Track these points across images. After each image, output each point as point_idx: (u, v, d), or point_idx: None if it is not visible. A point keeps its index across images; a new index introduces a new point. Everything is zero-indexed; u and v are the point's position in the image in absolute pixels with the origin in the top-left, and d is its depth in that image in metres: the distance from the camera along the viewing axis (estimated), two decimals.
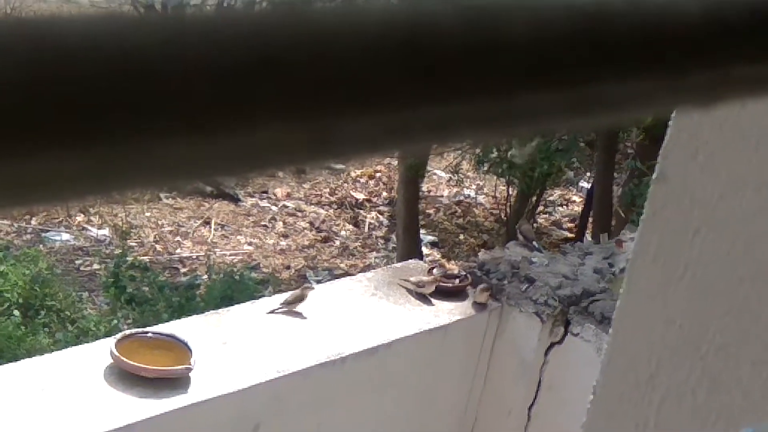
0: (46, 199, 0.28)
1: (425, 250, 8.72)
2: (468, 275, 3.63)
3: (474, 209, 9.70)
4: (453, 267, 5.89)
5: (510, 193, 8.65)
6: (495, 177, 8.58)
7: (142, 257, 7.72)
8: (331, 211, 9.39)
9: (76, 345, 3.42)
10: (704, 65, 0.38)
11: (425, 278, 3.57)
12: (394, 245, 8.78)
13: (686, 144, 1.22)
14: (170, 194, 8.70)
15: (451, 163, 8.91)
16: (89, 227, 8.36)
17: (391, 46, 0.30)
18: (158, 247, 8.31)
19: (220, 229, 8.74)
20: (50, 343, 5.85)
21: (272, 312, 3.25)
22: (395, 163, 9.27)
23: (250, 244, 8.60)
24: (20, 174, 0.26)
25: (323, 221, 9.18)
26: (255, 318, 3.22)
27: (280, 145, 0.29)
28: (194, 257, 8.22)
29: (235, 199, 9.17)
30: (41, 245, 7.83)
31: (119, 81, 0.26)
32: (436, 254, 8.82)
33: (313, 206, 9.40)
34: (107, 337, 3.15)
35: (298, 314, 3.26)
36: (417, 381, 3.41)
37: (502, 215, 8.98)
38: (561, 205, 9.85)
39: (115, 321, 6.21)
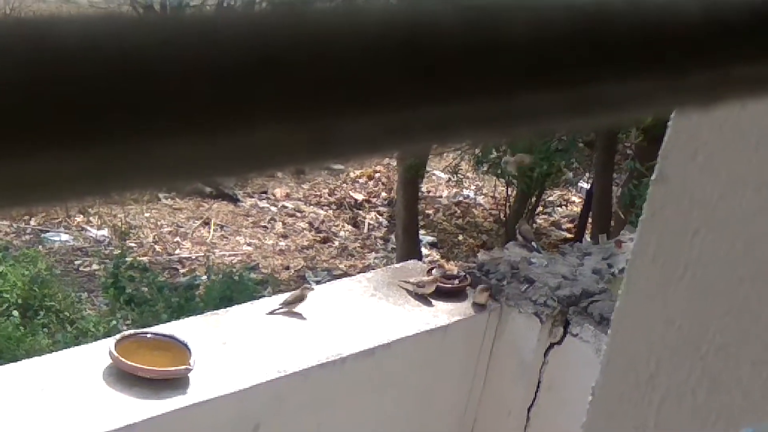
0: (45, 200, 0.28)
1: (424, 251, 8.72)
2: (467, 276, 3.63)
3: (473, 210, 9.70)
4: (452, 267, 5.90)
5: (509, 193, 8.65)
6: (494, 177, 8.58)
7: (141, 258, 7.72)
8: (331, 211, 9.39)
9: (75, 345, 3.42)
10: (704, 65, 0.38)
11: (425, 279, 3.57)
12: (394, 246, 8.78)
13: (685, 144, 1.22)
14: (169, 195, 8.70)
15: (451, 163, 8.91)
16: (88, 228, 8.36)
17: (391, 46, 0.30)
18: (157, 247, 8.31)
19: (219, 229, 8.74)
20: (49, 343, 5.85)
21: (272, 312, 3.25)
22: (394, 163, 9.28)
23: (249, 244, 8.60)
24: (19, 174, 0.26)
25: (322, 222, 9.18)
26: (254, 318, 3.22)
27: (280, 146, 0.29)
28: (193, 258, 8.22)
29: (234, 200, 9.17)
30: (40, 246, 7.83)
31: (118, 81, 0.26)
32: (436, 255, 8.82)
33: (312, 207, 9.40)
34: (106, 337, 3.15)
35: (298, 315, 3.26)
36: (416, 381, 3.41)
37: (502, 216, 8.98)
38: (560, 205, 9.85)
39: (115, 321, 6.21)
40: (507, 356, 3.51)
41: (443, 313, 3.46)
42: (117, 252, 7.42)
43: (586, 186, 9.28)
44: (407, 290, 3.54)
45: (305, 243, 8.77)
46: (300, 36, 0.29)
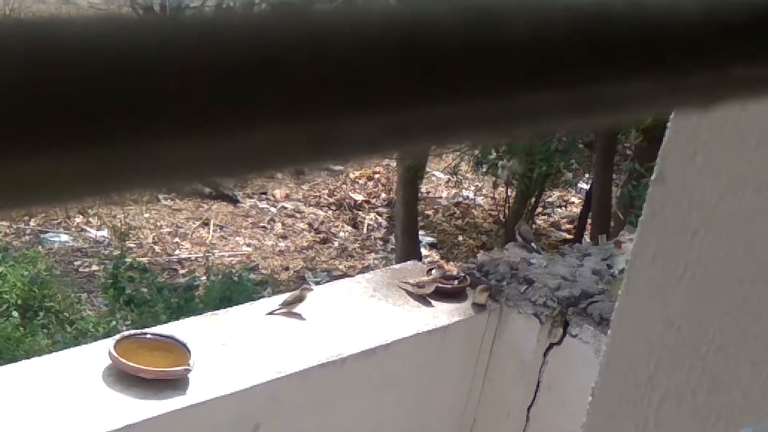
0: (44, 201, 0.28)
1: (424, 252, 8.72)
2: (467, 276, 3.63)
3: (473, 210, 9.70)
4: (452, 268, 5.90)
5: (509, 194, 8.65)
6: (494, 178, 8.58)
7: (140, 258, 7.72)
8: (330, 212, 9.39)
9: (74, 346, 3.41)
10: (704, 65, 0.38)
11: (424, 279, 3.57)
12: (393, 246, 8.78)
13: (685, 145, 1.22)
14: (169, 195, 8.70)
15: (450, 164, 8.91)
16: (88, 228, 8.36)
17: (391, 46, 0.30)
18: (157, 248, 8.31)
19: (218, 230, 8.74)
20: (49, 344, 5.84)
21: (271, 313, 3.25)
22: (394, 164, 9.27)
23: (248, 245, 8.60)
24: (19, 175, 0.26)
25: (322, 222, 9.18)
26: (254, 319, 3.22)
27: (279, 147, 0.29)
28: (193, 258, 8.22)
29: (233, 201, 9.17)
30: (40, 246, 7.83)
31: (118, 82, 0.26)
32: (435, 255, 8.82)
33: (311, 207, 9.40)
34: (106, 338, 3.15)
35: (297, 315, 3.26)
36: (416, 382, 3.41)
37: (501, 216, 8.98)
38: (560, 206, 9.85)
39: (114, 322, 6.21)
40: (507, 357, 3.51)
41: (443, 314, 3.46)
42: (116, 253, 7.42)
43: (585, 187, 9.29)
44: (407, 291, 3.54)
45: (305, 244, 8.78)
46: (299, 37, 0.29)
